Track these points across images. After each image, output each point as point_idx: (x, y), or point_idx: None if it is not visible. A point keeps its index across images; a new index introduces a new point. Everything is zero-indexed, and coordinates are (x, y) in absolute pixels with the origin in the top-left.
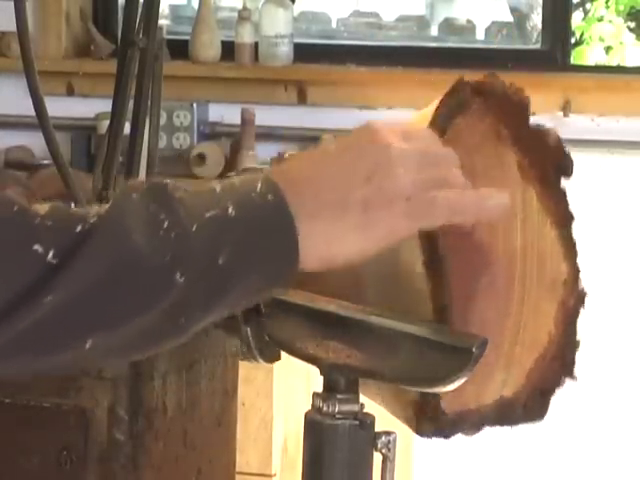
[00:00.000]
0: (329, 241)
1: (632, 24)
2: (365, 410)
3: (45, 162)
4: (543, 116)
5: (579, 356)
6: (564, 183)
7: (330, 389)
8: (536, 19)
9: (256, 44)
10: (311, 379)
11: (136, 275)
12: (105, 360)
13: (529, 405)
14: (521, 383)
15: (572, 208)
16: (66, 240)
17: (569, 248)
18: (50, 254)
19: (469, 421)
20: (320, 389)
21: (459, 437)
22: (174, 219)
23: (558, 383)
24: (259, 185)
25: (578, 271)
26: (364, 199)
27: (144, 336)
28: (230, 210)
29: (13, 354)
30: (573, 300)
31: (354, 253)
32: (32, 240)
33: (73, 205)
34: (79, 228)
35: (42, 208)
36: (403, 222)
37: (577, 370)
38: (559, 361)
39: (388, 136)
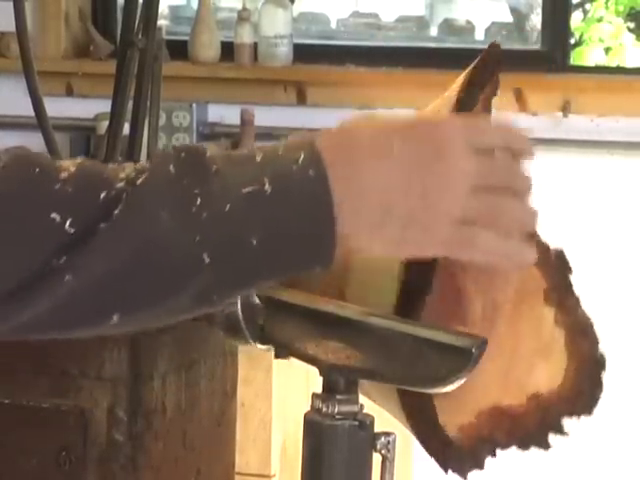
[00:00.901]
0: (359, 241)
1: (632, 25)
2: (365, 411)
3: None
4: (543, 116)
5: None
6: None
7: (329, 390)
8: (536, 20)
9: (255, 44)
10: (310, 380)
11: (162, 255)
12: (134, 329)
13: None
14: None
15: (572, 209)
16: (87, 209)
17: None
18: (68, 222)
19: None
20: (319, 390)
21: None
22: (208, 196)
23: None
24: (302, 157)
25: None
26: (409, 214)
27: (174, 312)
28: (267, 186)
29: (37, 329)
30: None
31: (379, 254)
32: (50, 207)
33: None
34: (103, 195)
35: (67, 168)
36: (435, 248)
37: None
38: None
39: (457, 149)
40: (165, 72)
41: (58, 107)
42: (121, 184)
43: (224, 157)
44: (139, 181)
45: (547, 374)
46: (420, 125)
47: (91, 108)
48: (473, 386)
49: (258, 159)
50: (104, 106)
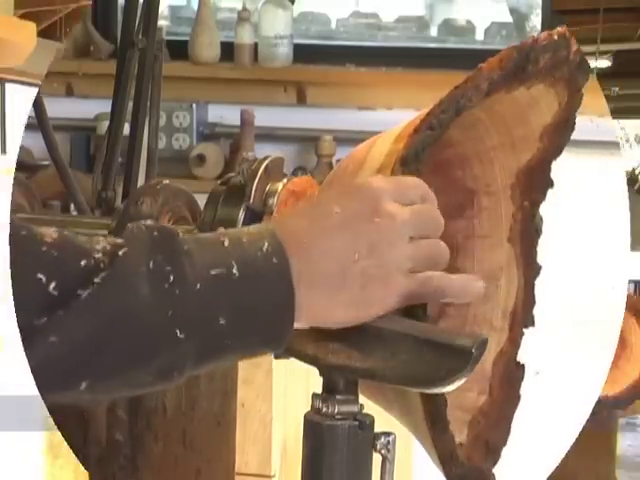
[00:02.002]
0: (324, 310)
1: None
2: (364, 411)
3: (45, 163)
4: None
5: None
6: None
7: (329, 390)
8: (536, 20)
9: (256, 45)
10: (311, 380)
11: (136, 328)
12: (100, 398)
13: None
14: None
15: (572, 209)
16: (69, 274)
17: None
18: (52, 285)
19: None
20: (319, 390)
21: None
22: (180, 274)
23: None
24: (266, 245)
25: None
26: (363, 273)
27: (137, 383)
28: (235, 270)
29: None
30: None
31: (346, 322)
32: (37, 268)
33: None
34: (84, 263)
35: (49, 234)
36: (397, 299)
37: None
38: None
39: (390, 204)
40: (165, 72)
41: (58, 107)
42: (99, 255)
43: (194, 239)
44: (120, 252)
45: (546, 108)
46: (350, 188)
47: (91, 108)
48: None
49: (226, 244)
50: (104, 106)
